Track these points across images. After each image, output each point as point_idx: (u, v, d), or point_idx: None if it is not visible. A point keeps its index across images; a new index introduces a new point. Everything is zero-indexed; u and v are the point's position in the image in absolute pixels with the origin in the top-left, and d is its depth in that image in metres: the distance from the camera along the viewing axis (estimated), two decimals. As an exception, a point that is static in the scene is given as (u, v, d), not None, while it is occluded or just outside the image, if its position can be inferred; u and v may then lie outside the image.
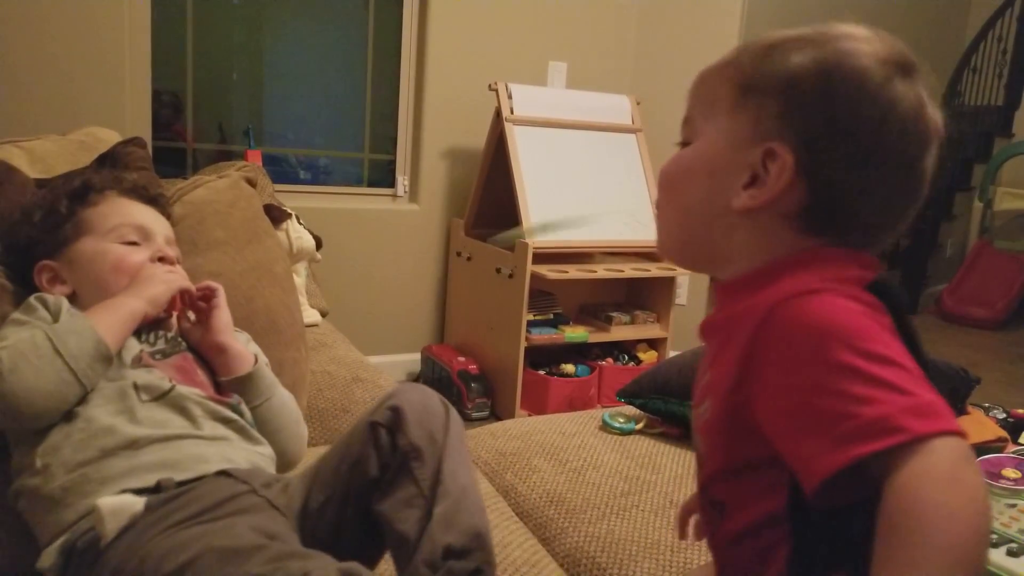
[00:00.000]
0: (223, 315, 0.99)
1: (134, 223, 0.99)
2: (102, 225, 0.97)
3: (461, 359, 2.65)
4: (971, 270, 4.77)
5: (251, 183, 1.42)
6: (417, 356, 2.89)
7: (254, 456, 0.88)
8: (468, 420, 2.51)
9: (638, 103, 2.82)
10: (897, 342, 0.51)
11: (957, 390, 1.34)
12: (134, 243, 0.97)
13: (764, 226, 0.58)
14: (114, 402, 0.83)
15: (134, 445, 0.80)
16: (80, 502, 0.77)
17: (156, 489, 0.77)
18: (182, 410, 0.85)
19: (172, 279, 0.95)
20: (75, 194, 0.99)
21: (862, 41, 0.57)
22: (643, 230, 2.66)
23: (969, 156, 5.02)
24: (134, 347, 0.90)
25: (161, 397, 0.85)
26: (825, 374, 0.49)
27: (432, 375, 2.76)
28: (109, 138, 1.75)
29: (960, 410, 1.36)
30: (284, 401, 1.00)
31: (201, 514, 0.73)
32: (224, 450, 0.84)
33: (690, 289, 3.16)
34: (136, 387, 0.84)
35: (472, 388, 2.54)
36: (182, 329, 0.99)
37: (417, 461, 0.73)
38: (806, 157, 0.55)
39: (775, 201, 0.56)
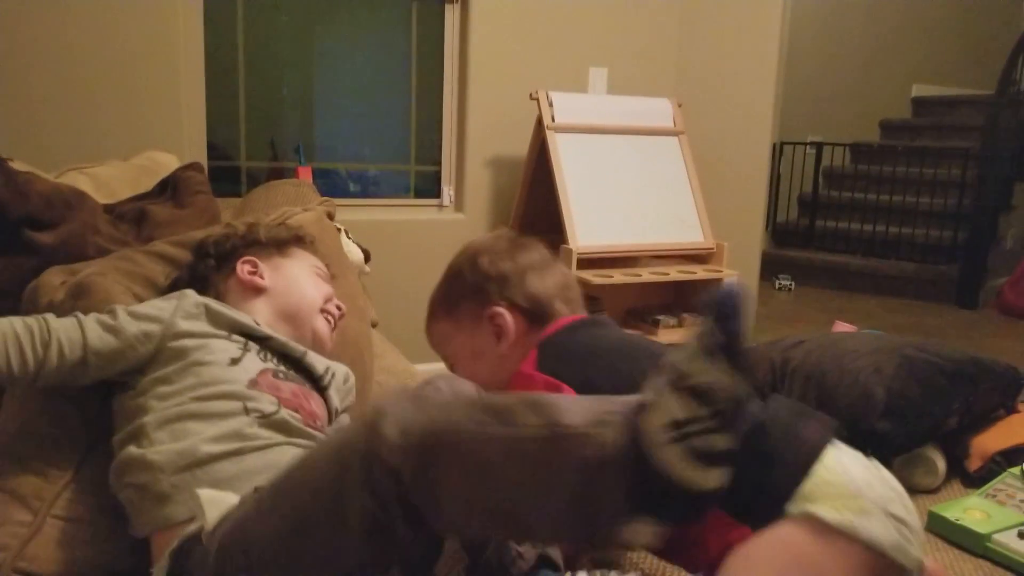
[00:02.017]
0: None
1: (323, 267, 1.20)
2: (304, 258, 1.18)
3: (509, 365, 2.67)
4: (1033, 262, 4.60)
5: (330, 217, 1.49)
6: (466, 363, 2.92)
7: None
8: (518, 426, 2.53)
9: (680, 105, 2.81)
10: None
11: (1006, 387, 1.32)
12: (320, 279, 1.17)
13: (519, 344, 1.08)
14: (227, 418, 0.89)
15: (239, 452, 0.87)
16: (189, 500, 0.82)
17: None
18: (283, 429, 0.92)
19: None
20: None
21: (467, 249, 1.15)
22: (688, 232, 2.65)
23: (1028, 145, 4.85)
24: (254, 365, 0.97)
25: (267, 418, 0.91)
26: None
27: (481, 381, 2.79)
28: (167, 162, 1.83)
29: (1011, 408, 1.33)
30: None
31: None
32: None
33: (738, 290, 3.13)
34: (247, 410, 0.91)
35: (521, 394, 2.56)
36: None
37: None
38: (502, 300, 1.10)
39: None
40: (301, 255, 1.19)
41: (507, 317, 1.06)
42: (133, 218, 1.30)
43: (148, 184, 1.56)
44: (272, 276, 1.12)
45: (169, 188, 1.42)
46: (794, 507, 0.70)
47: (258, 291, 1.10)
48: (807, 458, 0.72)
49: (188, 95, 2.39)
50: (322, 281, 1.16)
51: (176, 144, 2.23)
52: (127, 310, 0.98)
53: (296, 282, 1.13)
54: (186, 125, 2.38)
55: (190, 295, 1.03)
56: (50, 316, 0.94)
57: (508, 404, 0.66)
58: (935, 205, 4.95)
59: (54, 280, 1.06)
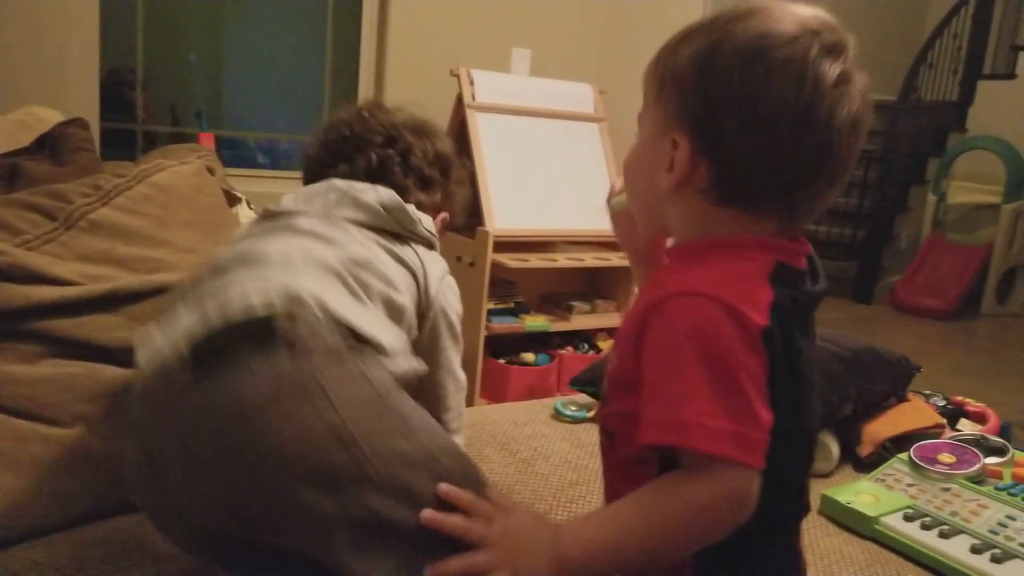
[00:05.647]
0: None
1: None
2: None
3: (421, 347, 2.63)
4: (924, 261, 4.87)
5: (211, 171, 1.39)
6: (377, 344, 2.86)
7: None
8: (427, 409, 2.49)
9: (601, 92, 2.81)
10: (757, 363, 0.58)
11: (898, 377, 1.37)
12: None
13: (690, 201, 0.65)
14: None
15: None
16: None
17: None
18: None
19: None
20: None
21: (751, 18, 0.61)
22: (605, 220, 2.64)
23: (924, 150, 5.12)
24: None
25: None
26: (677, 368, 0.58)
27: (391, 363, 2.74)
28: (51, 118, 1.69)
29: (901, 396, 1.39)
30: None
31: None
32: None
33: (651, 278, 3.18)
34: None
35: (431, 376, 2.52)
36: None
37: None
38: (699, 139, 0.62)
39: (688, 180, 0.64)
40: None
41: (683, 157, 0.63)
42: (4, 175, 1.18)
43: (27, 140, 1.43)
44: None
45: (48, 145, 1.30)
46: None
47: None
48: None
49: (81, 49, 2.22)
50: None
51: (63, 101, 2.07)
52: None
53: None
54: (76, 81, 2.21)
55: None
56: None
57: None
58: (837, 204, 5.14)
59: None
